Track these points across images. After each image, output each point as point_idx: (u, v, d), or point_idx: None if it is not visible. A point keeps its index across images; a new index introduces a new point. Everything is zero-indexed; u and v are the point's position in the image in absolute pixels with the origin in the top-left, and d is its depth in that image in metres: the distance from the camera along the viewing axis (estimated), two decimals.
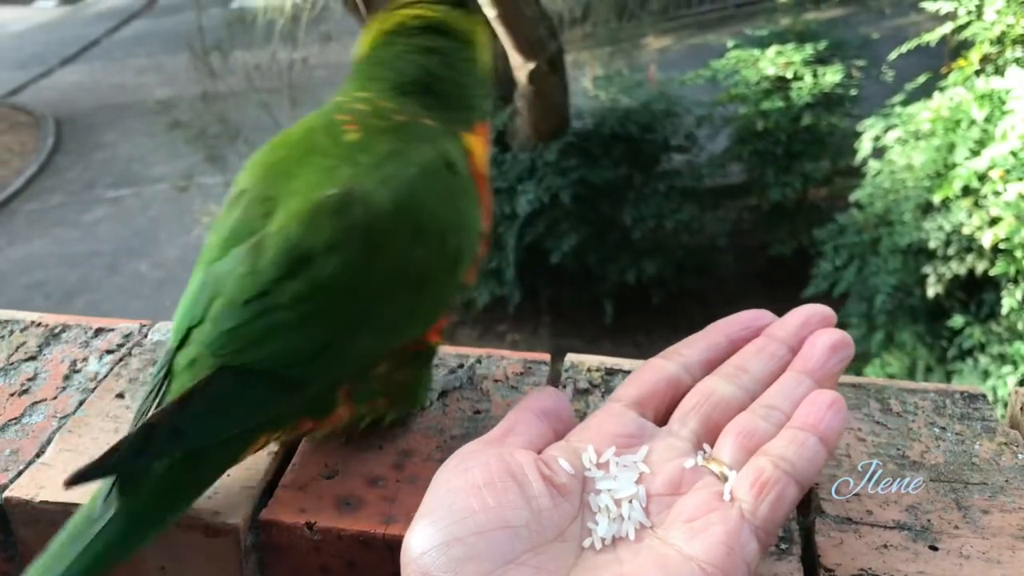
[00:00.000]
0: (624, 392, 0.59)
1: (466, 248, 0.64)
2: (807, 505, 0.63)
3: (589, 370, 0.76)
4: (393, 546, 0.61)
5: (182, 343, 0.59)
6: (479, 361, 0.77)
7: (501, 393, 0.74)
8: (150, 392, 0.59)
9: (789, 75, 6.34)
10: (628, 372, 0.75)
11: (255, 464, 0.67)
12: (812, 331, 0.60)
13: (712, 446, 0.57)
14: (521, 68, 5.95)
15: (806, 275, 5.87)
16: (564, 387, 0.74)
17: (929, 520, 0.61)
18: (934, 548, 0.59)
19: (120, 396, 0.75)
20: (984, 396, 0.72)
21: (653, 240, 6.68)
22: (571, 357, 0.77)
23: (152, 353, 0.80)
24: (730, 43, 6.74)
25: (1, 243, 8.21)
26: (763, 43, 6.61)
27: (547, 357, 0.77)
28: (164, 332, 0.82)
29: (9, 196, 8.98)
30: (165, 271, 8.43)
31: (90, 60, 13.30)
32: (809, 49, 6.34)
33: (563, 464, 0.54)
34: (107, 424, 0.72)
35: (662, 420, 0.59)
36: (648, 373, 0.60)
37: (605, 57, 7.56)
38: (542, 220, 6.45)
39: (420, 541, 0.50)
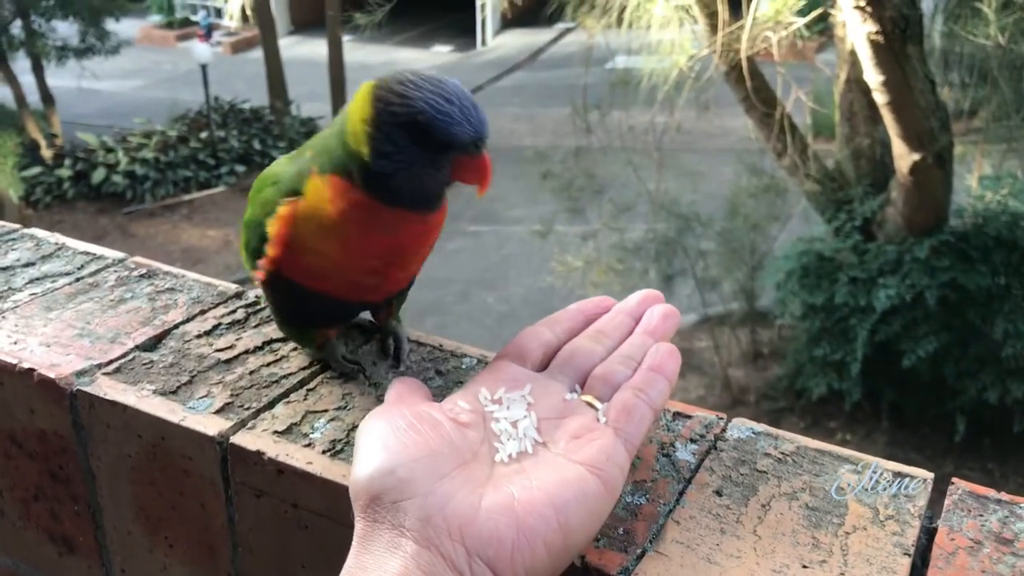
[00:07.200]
0: (506, 351, 0.77)
1: (249, 224, 0.91)
2: None
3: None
4: None
5: None
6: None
7: None
8: None
9: None
10: None
11: None
12: (648, 306, 0.80)
13: (583, 388, 0.74)
14: (904, 158, 5.64)
15: None
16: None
17: None
18: None
19: (718, 494, 0.74)
20: None
21: None
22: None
23: (736, 451, 0.79)
24: None
25: None
26: None
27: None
28: (743, 430, 0.81)
29: None
30: (509, 306, 8.88)
31: None
32: None
33: (463, 404, 0.71)
34: (712, 522, 0.72)
35: (540, 372, 0.76)
36: (525, 338, 0.78)
37: (995, 155, 6.99)
38: (899, 319, 6.04)
39: (367, 472, 0.63)
